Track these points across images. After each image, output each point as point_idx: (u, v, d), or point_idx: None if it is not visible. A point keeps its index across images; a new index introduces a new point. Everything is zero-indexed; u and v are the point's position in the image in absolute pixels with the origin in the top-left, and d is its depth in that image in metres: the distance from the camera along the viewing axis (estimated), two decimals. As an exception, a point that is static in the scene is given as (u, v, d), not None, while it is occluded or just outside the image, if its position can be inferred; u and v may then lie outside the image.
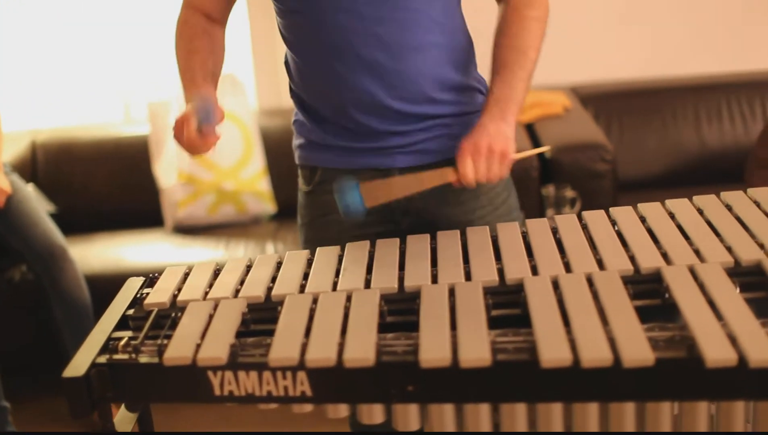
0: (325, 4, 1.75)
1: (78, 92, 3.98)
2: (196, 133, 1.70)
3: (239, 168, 3.45)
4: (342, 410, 1.44)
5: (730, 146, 3.72)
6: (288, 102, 3.75)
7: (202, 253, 3.25)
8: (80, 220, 3.44)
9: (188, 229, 3.45)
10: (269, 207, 3.51)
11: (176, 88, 3.54)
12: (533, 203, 3.17)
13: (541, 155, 3.24)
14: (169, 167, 3.46)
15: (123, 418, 1.54)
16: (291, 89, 1.94)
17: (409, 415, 1.42)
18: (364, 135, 1.83)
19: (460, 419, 1.42)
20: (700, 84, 3.83)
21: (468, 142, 1.71)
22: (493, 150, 1.70)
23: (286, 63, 1.93)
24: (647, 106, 3.78)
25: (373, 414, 1.44)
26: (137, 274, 3.05)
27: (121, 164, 3.63)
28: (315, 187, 1.92)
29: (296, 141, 1.97)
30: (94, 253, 3.27)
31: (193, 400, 1.43)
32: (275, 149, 3.58)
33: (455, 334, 1.37)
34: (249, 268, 1.69)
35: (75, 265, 3.01)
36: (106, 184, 3.61)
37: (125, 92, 3.95)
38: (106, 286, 3.10)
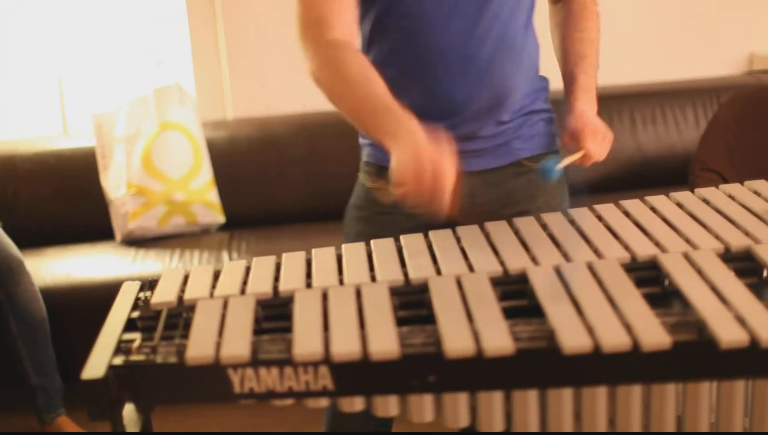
0: (433, 7, 1.79)
1: (14, 105, 3.92)
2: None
3: (189, 179, 3.43)
4: (358, 404, 1.46)
5: (665, 151, 3.83)
6: (231, 114, 3.77)
7: (156, 264, 3.22)
8: (28, 235, 3.38)
9: (138, 241, 3.42)
10: (219, 217, 3.50)
11: (119, 99, 3.52)
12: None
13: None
14: (118, 179, 3.43)
15: (130, 420, 1.52)
16: None
17: (424, 406, 1.45)
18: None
19: (474, 408, 1.45)
20: (635, 91, 3.94)
21: (585, 123, 1.81)
22: (605, 132, 1.83)
23: None
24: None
25: (389, 406, 1.45)
26: (91, 288, 3.05)
27: (65, 177, 3.57)
28: (383, 185, 1.89)
29: (365, 139, 1.98)
30: (45, 267, 3.22)
31: (213, 399, 1.43)
32: (220, 161, 3.58)
33: (474, 325, 1.40)
34: (248, 269, 1.69)
35: (31, 279, 2.96)
36: (51, 197, 3.56)
37: (63, 105, 3.90)
38: (57, 300, 3.09)
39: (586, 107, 1.84)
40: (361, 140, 2.00)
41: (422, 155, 1.54)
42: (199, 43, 3.81)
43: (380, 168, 1.92)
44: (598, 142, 1.82)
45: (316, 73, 1.77)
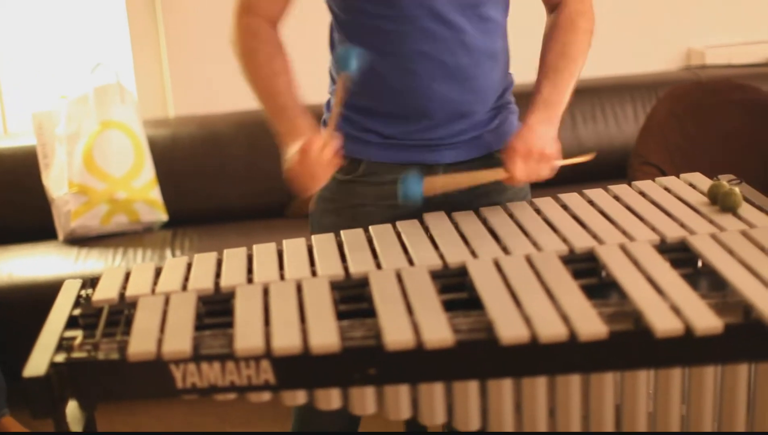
0: (416, 11, 1.80)
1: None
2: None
3: (131, 177, 3.40)
4: (300, 397, 1.47)
5: (605, 146, 3.87)
6: (173, 112, 3.76)
7: (99, 263, 3.19)
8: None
9: (81, 240, 3.38)
10: (162, 215, 3.48)
11: (56, 98, 3.49)
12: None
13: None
14: (59, 178, 3.40)
15: (73, 418, 1.52)
16: (332, 83, 1.94)
17: (366, 398, 1.46)
18: (421, 133, 1.87)
19: (415, 401, 1.47)
20: (574, 87, 3.97)
21: (518, 143, 1.78)
22: (542, 152, 1.78)
23: None
24: (523, 108, 3.89)
25: (331, 399, 1.47)
26: (33, 288, 3.03)
27: (6, 177, 3.52)
28: (356, 177, 1.92)
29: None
30: (-16, 268, 3.19)
31: (156, 394, 1.43)
32: (162, 159, 3.56)
33: (414, 318, 1.42)
34: (189, 266, 1.69)
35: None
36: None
37: (2, 103, 3.85)
38: (0, 300, 3.06)
39: (537, 123, 1.83)
40: None
41: (300, 147, 1.72)
42: (139, 40, 3.78)
43: (355, 161, 1.93)
44: (529, 165, 1.78)
45: (235, 51, 1.91)
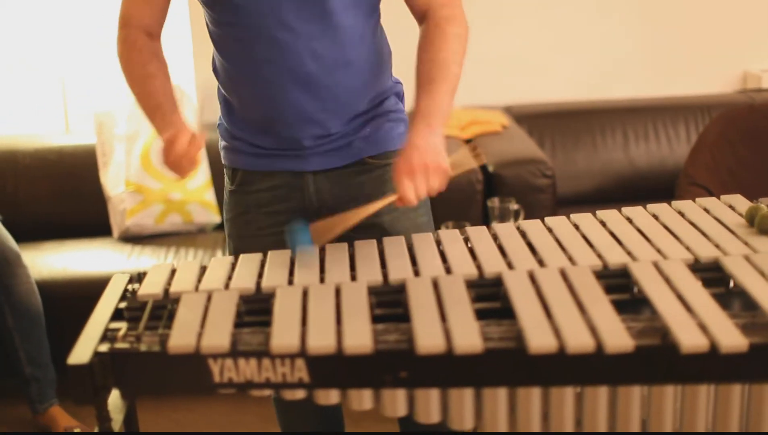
0: (261, 19, 1.84)
1: (18, 101, 3.98)
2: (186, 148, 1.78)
3: (186, 178, 3.48)
4: (333, 397, 1.51)
5: (657, 166, 3.88)
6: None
7: (151, 261, 3.27)
8: (26, 229, 3.43)
9: (135, 238, 3.47)
10: (215, 217, 3.55)
11: (121, 98, 3.59)
12: (478, 215, 3.28)
13: (485, 170, 3.34)
14: (117, 176, 3.49)
15: (115, 407, 1.58)
16: (219, 91, 2.03)
17: (397, 400, 1.50)
18: (285, 142, 1.93)
19: (445, 405, 1.50)
20: (628, 107, 3.99)
21: (402, 162, 1.74)
22: (427, 166, 1.73)
23: (215, 68, 2.01)
24: (578, 126, 3.92)
25: (363, 400, 1.51)
26: (86, 282, 3.10)
27: (66, 174, 3.62)
28: (237, 187, 2.03)
29: (221, 142, 2.06)
30: (42, 261, 3.27)
31: (194, 387, 1.49)
32: (217, 162, 3.61)
33: (446, 324, 1.46)
34: (233, 265, 1.75)
35: (28, 272, 3.01)
36: (51, 193, 3.61)
37: (66, 103, 3.95)
38: (54, 293, 3.14)
39: (417, 138, 1.77)
40: (219, 144, 2.09)
41: (172, 141, 1.78)
42: (200, 46, 3.86)
43: (234, 170, 2.03)
44: (416, 182, 1.73)
45: (118, 60, 1.98)
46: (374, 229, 1.92)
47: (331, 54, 1.87)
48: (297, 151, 1.94)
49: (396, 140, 1.98)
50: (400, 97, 2.07)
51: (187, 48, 3.90)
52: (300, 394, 1.50)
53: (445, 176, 1.76)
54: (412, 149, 1.75)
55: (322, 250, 1.77)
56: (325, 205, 1.97)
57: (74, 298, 3.09)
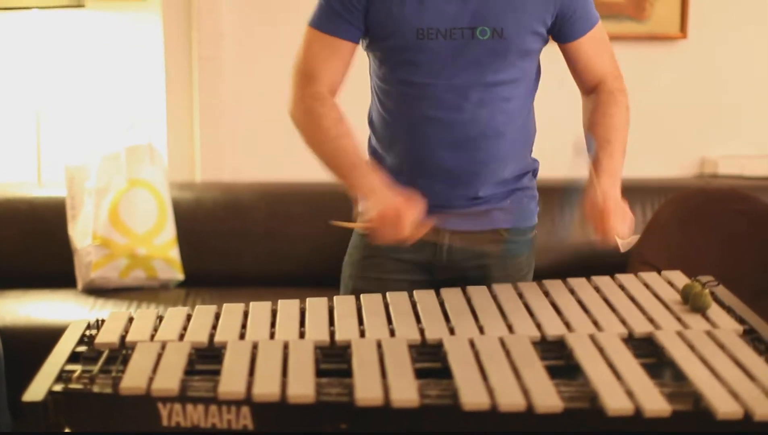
0: (436, 80, 1.97)
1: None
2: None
3: (152, 235, 3.55)
4: (276, 445, 1.58)
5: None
6: (199, 177, 3.91)
7: (113, 313, 3.33)
8: (-7, 276, 3.50)
9: (99, 291, 3.52)
10: (178, 274, 3.62)
11: (91, 151, 3.66)
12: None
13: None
14: (85, 229, 3.55)
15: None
16: (369, 144, 2.12)
17: (337, 452, 1.57)
18: (432, 199, 1.99)
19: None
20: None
21: (605, 201, 1.94)
22: (626, 211, 1.96)
23: (371, 120, 2.11)
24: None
25: (305, 450, 1.57)
26: (48, 331, 3.13)
27: (35, 224, 3.68)
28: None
29: None
30: (4, 308, 3.32)
31: (143, 429, 1.55)
32: (185, 220, 3.70)
33: (386, 380, 1.53)
34: (189, 317, 1.82)
35: (-10, 317, 3.07)
36: (19, 242, 3.65)
37: (39, 154, 4.00)
38: (15, 340, 3.18)
39: (609, 188, 1.96)
40: None
41: (385, 203, 1.84)
42: (174, 106, 3.94)
43: None
44: (621, 220, 1.94)
45: (295, 117, 2.03)
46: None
47: (492, 122, 2.01)
48: (440, 209, 2.01)
49: (529, 217, 2.16)
50: (535, 174, 2.20)
51: (161, 108, 3.99)
52: (244, 441, 1.56)
53: (632, 224, 1.98)
54: (608, 198, 1.95)
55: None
56: (454, 264, 2.07)
57: (35, 347, 3.11)
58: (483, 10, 1.95)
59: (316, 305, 1.87)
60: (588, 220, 1.96)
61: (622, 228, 1.95)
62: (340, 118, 1.99)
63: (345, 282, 2.16)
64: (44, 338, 3.10)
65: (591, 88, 2.15)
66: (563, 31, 2.05)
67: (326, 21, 2.00)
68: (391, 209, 1.83)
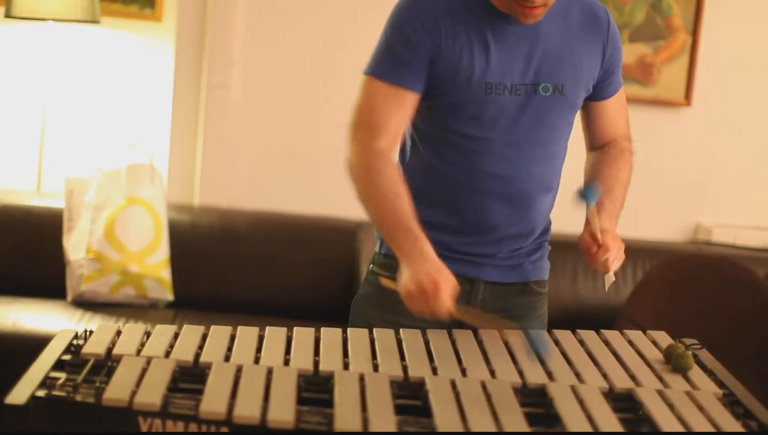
0: (498, 136, 2.00)
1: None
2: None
3: (145, 254, 3.58)
4: (252, 468, 1.59)
5: (601, 302, 4.00)
6: (198, 200, 3.94)
7: (100, 328, 3.34)
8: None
9: (88, 304, 3.54)
10: (168, 295, 3.64)
11: (93, 166, 3.68)
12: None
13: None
14: (79, 242, 3.57)
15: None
16: None
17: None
18: (467, 247, 2.04)
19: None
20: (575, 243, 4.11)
21: (609, 240, 1.97)
22: (623, 248, 2.01)
23: (405, 161, 2.11)
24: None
25: (281, 476, 1.58)
26: (34, 339, 3.15)
27: (30, 233, 3.71)
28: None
29: None
30: (-7, 313, 3.35)
31: (122, 442, 1.56)
32: (179, 242, 3.72)
33: (366, 414, 1.55)
34: (176, 335, 1.84)
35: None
36: (13, 250, 3.68)
37: (41, 164, 4.03)
38: (0, 345, 3.20)
39: (611, 228, 2.02)
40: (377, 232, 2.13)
41: (427, 277, 1.82)
42: (179, 129, 3.98)
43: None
44: (616, 247, 1.98)
45: (354, 170, 1.99)
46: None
47: (543, 178, 2.07)
48: (476, 259, 2.06)
49: (547, 270, 2.23)
50: (549, 228, 2.24)
51: (165, 129, 4.02)
52: (220, 463, 1.57)
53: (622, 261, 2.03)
54: (608, 234, 1.98)
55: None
56: (485, 315, 2.05)
57: (20, 354, 3.13)
58: (545, 66, 2.00)
59: (303, 334, 1.88)
60: (585, 252, 2.00)
61: (617, 253, 1.99)
62: (399, 178, 1.96)
63: (353, 317, 2.17)
64: (29, 345, 3.13)
65: (600, 146, 2.21)
66: (598, 89, 2.11)
67: (392, 71, 1.96)
68: (431, 283, 1.81)
